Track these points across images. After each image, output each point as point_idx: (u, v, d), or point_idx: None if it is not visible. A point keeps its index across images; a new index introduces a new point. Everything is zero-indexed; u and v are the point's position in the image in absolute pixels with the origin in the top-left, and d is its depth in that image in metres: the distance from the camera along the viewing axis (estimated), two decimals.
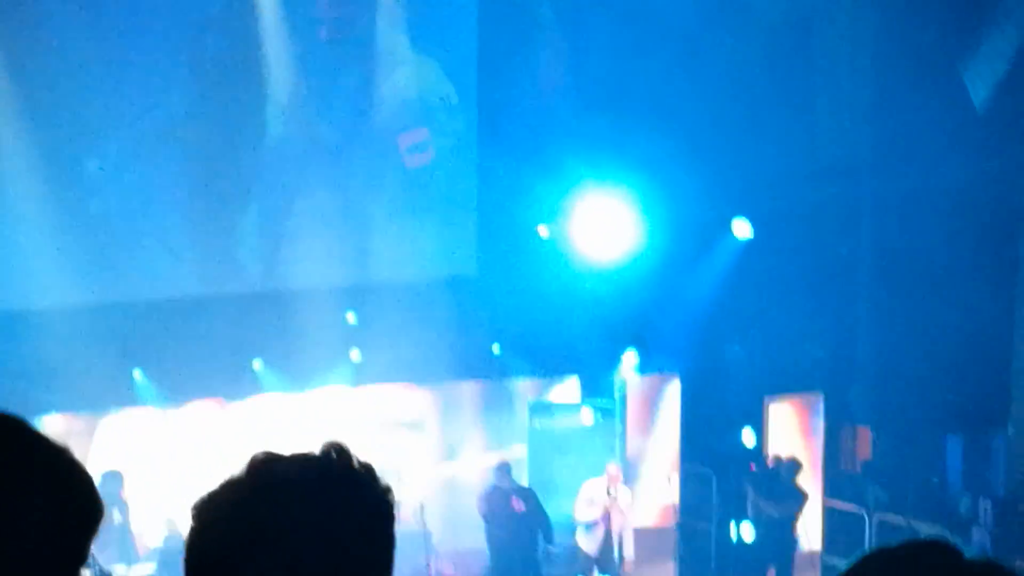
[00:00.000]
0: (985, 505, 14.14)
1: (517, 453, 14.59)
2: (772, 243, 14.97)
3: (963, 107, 14.24)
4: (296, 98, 14.63)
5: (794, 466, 13.46)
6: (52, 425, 12.35)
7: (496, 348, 15.32)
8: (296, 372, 14.29)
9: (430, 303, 14.39)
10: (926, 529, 12.95)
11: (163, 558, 12.49)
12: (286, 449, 1.80)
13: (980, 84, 14.28)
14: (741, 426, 14.61)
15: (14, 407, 1.83)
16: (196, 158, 14.30)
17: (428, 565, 13.40)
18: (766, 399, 14.60)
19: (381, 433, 13.69)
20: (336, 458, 1.78)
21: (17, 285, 13.42)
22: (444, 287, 14.78)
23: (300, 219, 14.65)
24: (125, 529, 12.80)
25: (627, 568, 13.16)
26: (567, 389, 15.45)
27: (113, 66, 13.68)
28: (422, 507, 13.19)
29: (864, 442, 16.19)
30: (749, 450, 14.37)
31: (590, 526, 12.83)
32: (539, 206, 15.16)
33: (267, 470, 1.76)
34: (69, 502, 1.72)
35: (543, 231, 15.26)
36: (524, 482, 14.11)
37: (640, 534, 13.46)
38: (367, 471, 1.79)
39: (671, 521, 14.13)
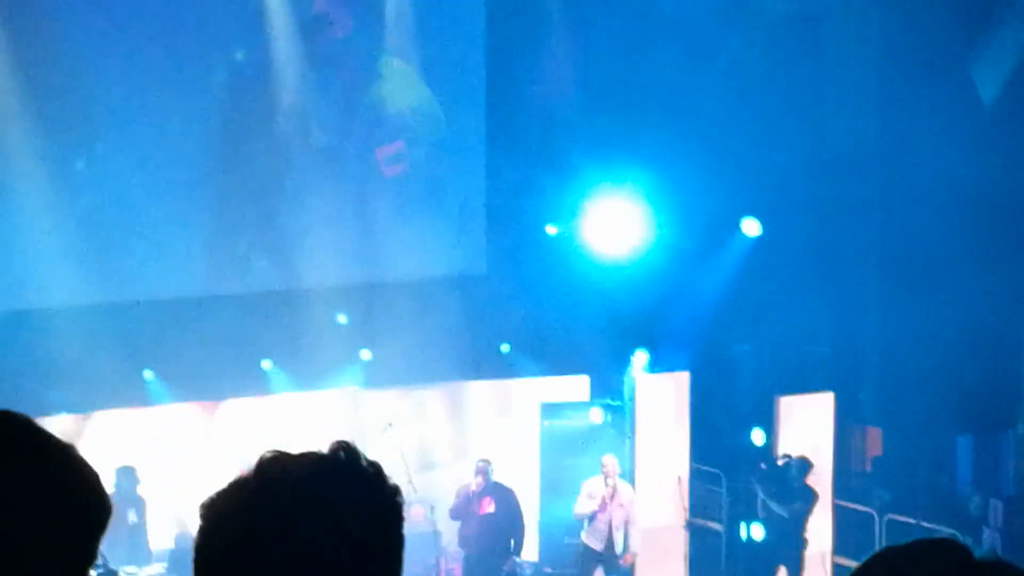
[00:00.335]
0: (995, 505, 14.11)
1: (527, 453, 14.58)
2: (781, 241, 14.95)
3: (972, 104, 14.23)
4: (305, 97, 14.64)
5: (804, 466, 13.42)
6: (62, 425, 12.35)
7: (505, 347, 15.31)
8: (305, 372, 14.30)
9: (439, 302, 14.39)
10: (936, 529, 12.91)
11: (174, 557, 12.48)
12: (295, 449, 1.80)
13: (988, 80, 14.26)
14: (751, 426, 14.58)
15: (24, 407, 1.84)
16: (208, 156, 14.32)
17: (438, 565, 13.40)
18: (776, 398, 14.57)
19: (389, 433, 13.67)
20: (345, 458, 1.77)
21: (27, 285, 13.43)
22: (453, 286, 14.79)
23: (310, 218, 14.66)
24: (140, 528, 12.78)
25: (630, 561, 13.14)
26: (577, 388, 15.43)
27: (123, 66, 13.70)
28: (432, 507, 13.20)
29: (874, 442, 16.17)
30: (759, 449, 14.34)
31: (591, 519, 12.85)
32: (548, 205, 15.17)
33: (275, 469, 1.75)
34: (77, 501, 1.72)
35: (552, 230, 15.25)
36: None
37: (650, 533, 13.44)
38: (376, 471, 1.78)
39: (681, 520, 14.13)
